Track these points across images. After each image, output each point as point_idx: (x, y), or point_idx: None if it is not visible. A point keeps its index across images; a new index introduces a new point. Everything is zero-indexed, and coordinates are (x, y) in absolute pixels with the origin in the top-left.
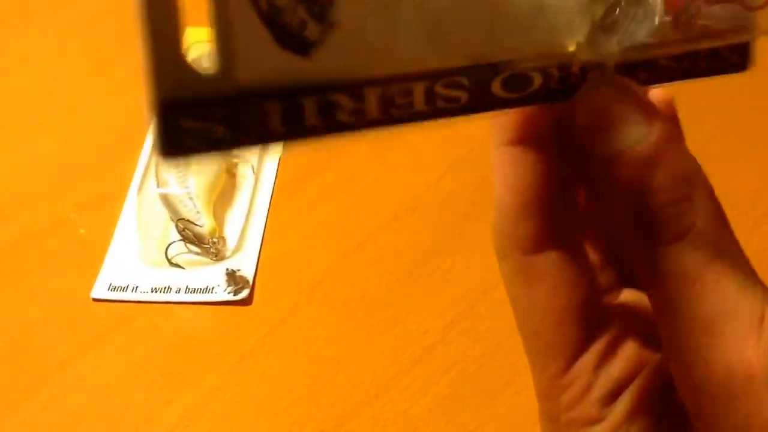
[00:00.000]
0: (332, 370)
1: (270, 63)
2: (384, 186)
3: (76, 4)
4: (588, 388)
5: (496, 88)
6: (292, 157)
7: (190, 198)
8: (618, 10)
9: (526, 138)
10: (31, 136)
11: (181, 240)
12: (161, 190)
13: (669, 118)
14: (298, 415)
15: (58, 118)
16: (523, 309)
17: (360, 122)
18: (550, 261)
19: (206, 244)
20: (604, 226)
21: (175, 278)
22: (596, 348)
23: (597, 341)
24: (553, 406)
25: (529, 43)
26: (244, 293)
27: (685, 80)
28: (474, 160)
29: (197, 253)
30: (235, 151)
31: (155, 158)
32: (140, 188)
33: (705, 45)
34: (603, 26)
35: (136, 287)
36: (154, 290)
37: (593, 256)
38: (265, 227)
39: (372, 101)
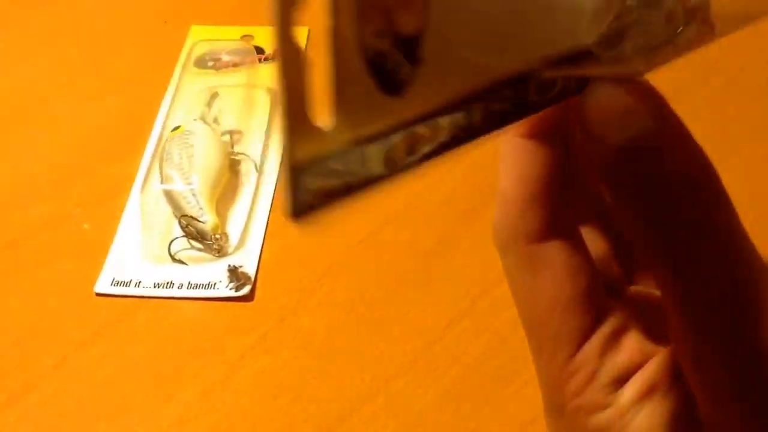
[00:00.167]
0: (334, 366)
1: (374, 110)
2: None
3: (77, 3)
4: (594, 374)
5: (532, 94)
6: None
7: (194, 194)
8: (630, 13)
9: (539, 132)
10: (35, 132)
11: (183, 236)
12: (164, 186)
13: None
14: (299, 411)
15: (63, 113)
16: (528, 299)
17: (438, 150)
18: (555, 249)
19: (209, 241)
20: (612, 217)
21: (178, 274)
22: (601, 335)
23: (602, 329)
24: (559, 395)
25: (554, 48)
26: (246, 289)
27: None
28: (475, 159)
29: (200, 249)
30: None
31: (157, 158)
32: (144, 184)
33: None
34: (617, 29)
35: (139, 282)
36: (156, 285)
37: (600, 249)
38: (267, 224)
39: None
